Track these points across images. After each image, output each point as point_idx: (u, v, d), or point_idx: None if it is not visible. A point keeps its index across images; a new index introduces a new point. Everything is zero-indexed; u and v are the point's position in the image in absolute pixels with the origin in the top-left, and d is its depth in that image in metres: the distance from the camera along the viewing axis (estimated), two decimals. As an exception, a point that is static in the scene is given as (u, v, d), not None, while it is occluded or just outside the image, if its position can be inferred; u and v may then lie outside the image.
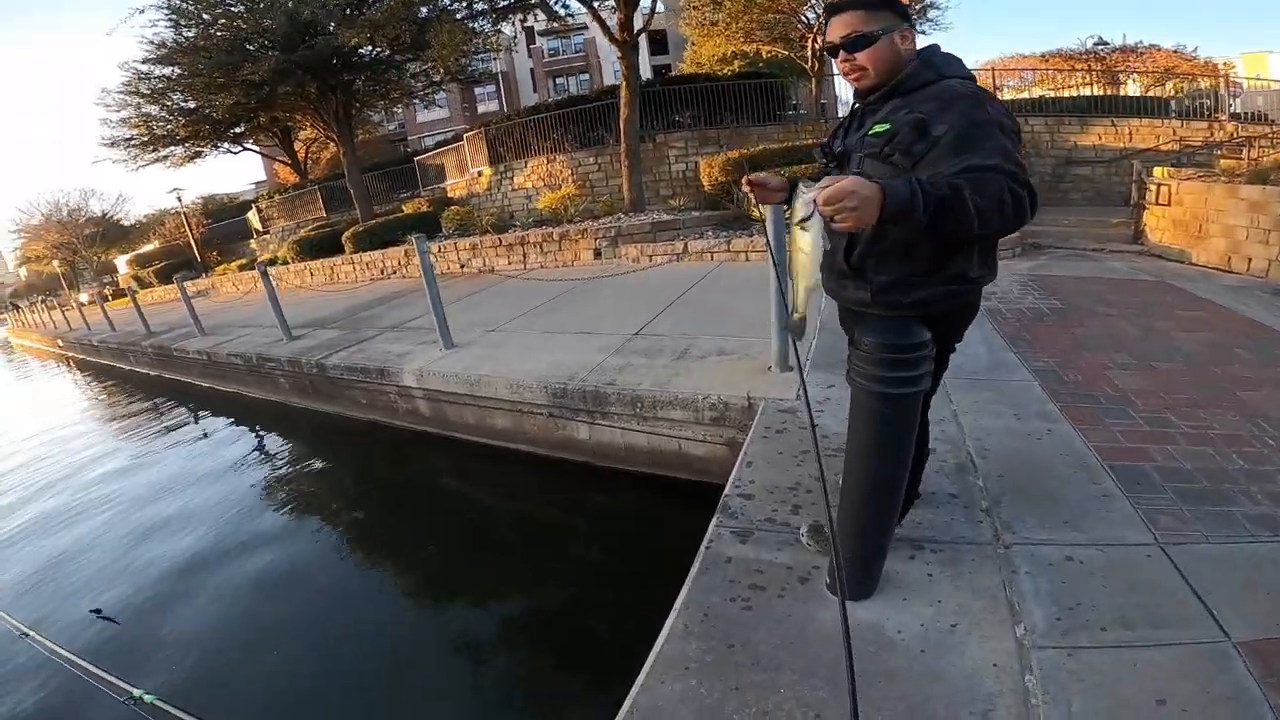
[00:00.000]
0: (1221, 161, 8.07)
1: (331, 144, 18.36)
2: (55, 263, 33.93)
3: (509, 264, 9.03)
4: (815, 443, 1.12)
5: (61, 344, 17.06)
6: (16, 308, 29.95)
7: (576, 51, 34.01)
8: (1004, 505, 2.09)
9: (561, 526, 3.70)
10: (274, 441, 6.23)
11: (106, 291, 24.42)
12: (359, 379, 5.36)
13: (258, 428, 6.58)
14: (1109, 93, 15.74)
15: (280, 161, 21.56)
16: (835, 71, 1.46)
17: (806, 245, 1.23)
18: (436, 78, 15.98)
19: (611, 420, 3.75)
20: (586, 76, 33.89)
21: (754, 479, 2.45)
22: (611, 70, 32.38)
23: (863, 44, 1.40)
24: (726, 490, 2.39)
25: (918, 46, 1.46)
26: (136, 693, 1.17)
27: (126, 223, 35.33)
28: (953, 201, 1.14)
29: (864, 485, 1.59)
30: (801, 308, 1.39)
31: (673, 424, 3.52)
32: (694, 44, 19.74)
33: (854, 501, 1.62)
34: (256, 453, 5.98)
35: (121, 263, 29.63)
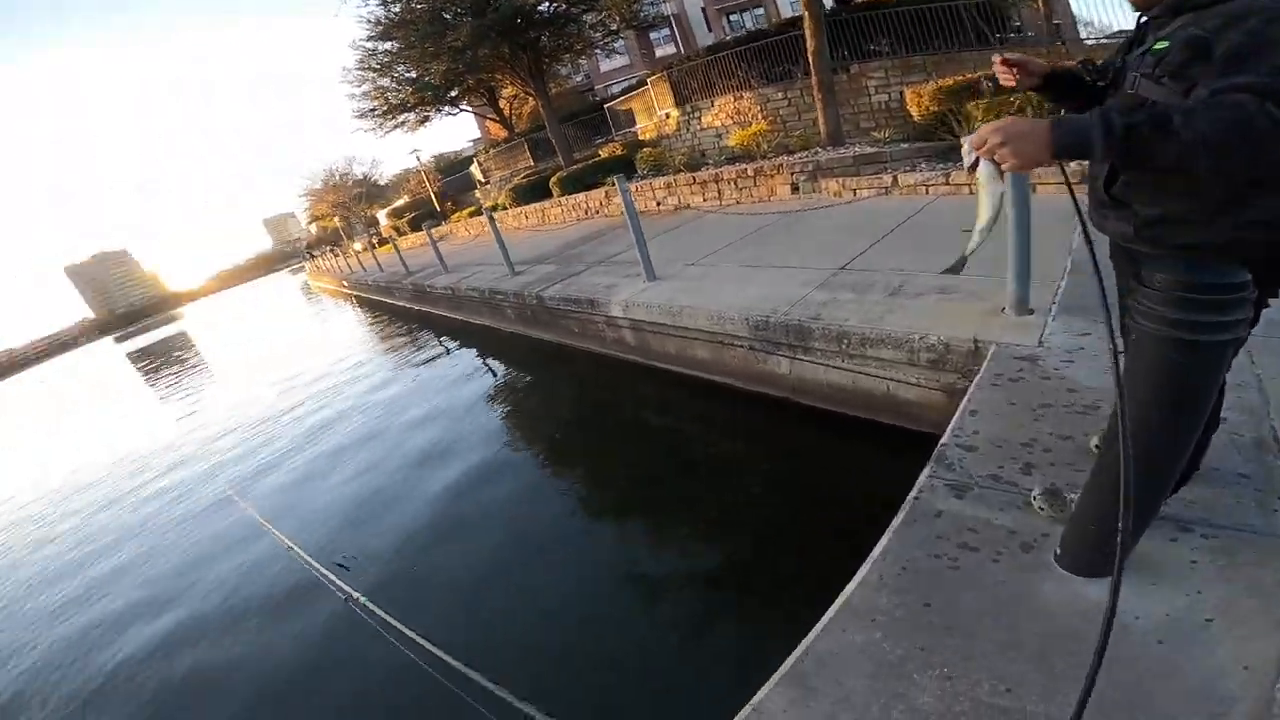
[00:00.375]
0: None
1: (530, 99, 19.97)
2: (335, 219, 42.09)
3: (704, 201, 9.10)
4: (1119, 384, 1.05)
5: (345, 284, 21.32)
6: (312, 256, 37.87)
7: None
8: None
9: (752, 461, 3.77)
10: (499, 364, 7.27)
11: (374, 240, 29.80)
12: (572, 309, 5.95)
13: (487, 352, 7.72)
14: None
15: (490, 119, 23.85)
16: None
17: (982, 179, 1.16)
18: (613, 26, 16.44)
19: (814, 356, 3.71)
20: (760, 11, 31.62)
21: (978, 430, 2.26)
22: (788, 2, 29.89)
23: None
24: (944, 439, 2.25)
25: None
26: (356, 595, 1.49)
27: (381, 182, 42.32)
28: (1149, 131, 0.98)
29: (1139, 448, 1.32)
30: (970, 246, 1.27)
31: (882, 364, 3.37)
32: None
33: (1118, 468, 1.44)
34: (484, 373, 7.06)
35: (381, 215, 35.67)
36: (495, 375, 6.94)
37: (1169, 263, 1.23)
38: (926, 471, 2.08)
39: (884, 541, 1.82)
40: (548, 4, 13.81)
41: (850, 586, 1.70)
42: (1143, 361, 1.31)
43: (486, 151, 23.69)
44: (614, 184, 5.32)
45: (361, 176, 41.79)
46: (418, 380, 7.43)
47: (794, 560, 2.81)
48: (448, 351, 8.42)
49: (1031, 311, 3.02)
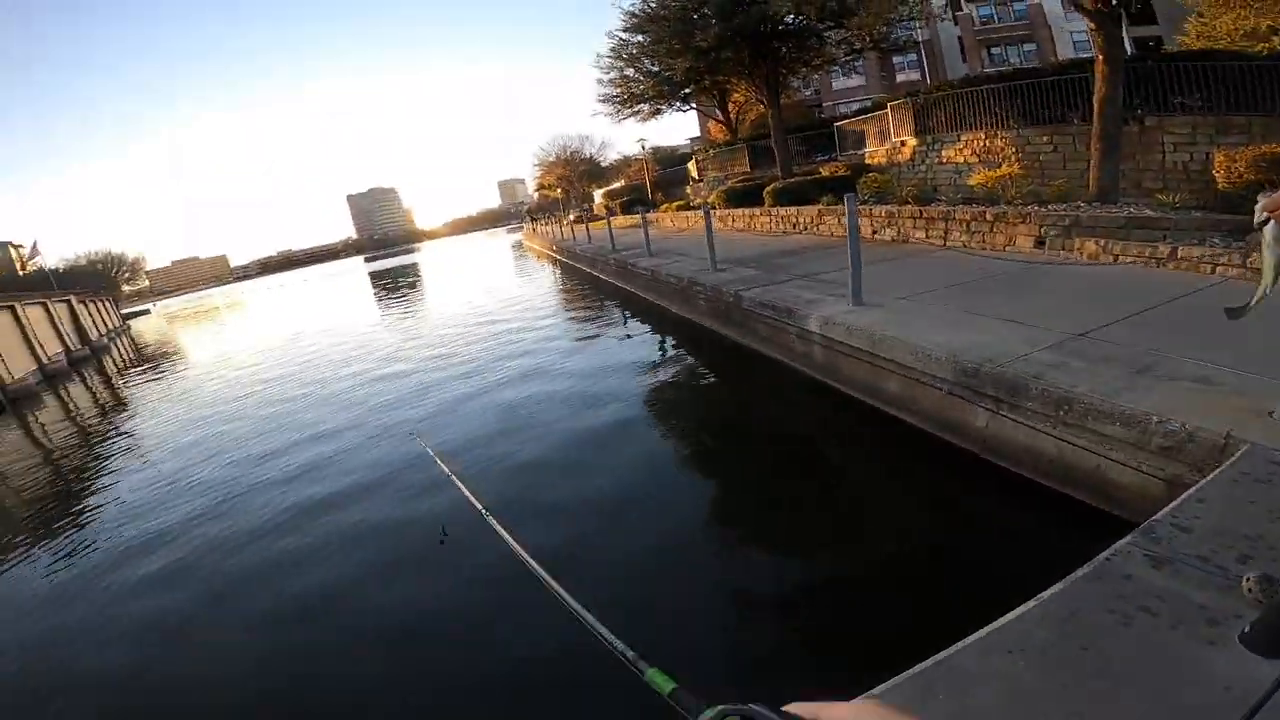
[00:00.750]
0: None
1: (756, 106, 20.42)
2: (558, 190, 46.53)
3: (926, 237, 8.67)
4: None
5: (554, 249, 23.67)
6: (533, 219, 42.31)
7: (1018, 19, 29.27)
8: None
9: (911, 506, 3.68)
10: (681, 349, 7.71)
11: (585, 215, 32.62)
12: (768, 315, 6.14)
13: (673, 336, 8.23)
14: None
15: (715, 120, 24.63)
16: None
17: (1268, 238, 1.24)
18: (858, 46, 15.99)
19: (1021, 415, 3.51)
20: (1032, 47, 28.96)
21: (1199, 516, 2.13)
22: (1068, 40, 26.57)
23: None
24: (1158, 516, 2.16)
25: None
26: (483, 511, 1.81)
27: (604, 164, 45.79)
28: None
29: None
30: (1254, 297, 1.31)
31: (1102, 440, 3.11)
32: (1201, 14, 14.88)
33: None
34: (666, 352, 7.55)
35: (597, 194, 38.73)
36: (675, 358, 7.40)
37: None
38: (1128, 539, 2.04)
39: (1056, 587, 1.84)
40: (794, 16, 14.00)
41: (1005, 617, 1.73)
42: None
43: (706, 150, 24.56)
44: (828, 203, 5.41)
45: (589, 156, 45.63)
46: (598, 343, 8.22)
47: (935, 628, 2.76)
48: (632, 325, 9.16)
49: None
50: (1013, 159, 11.09)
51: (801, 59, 17.22)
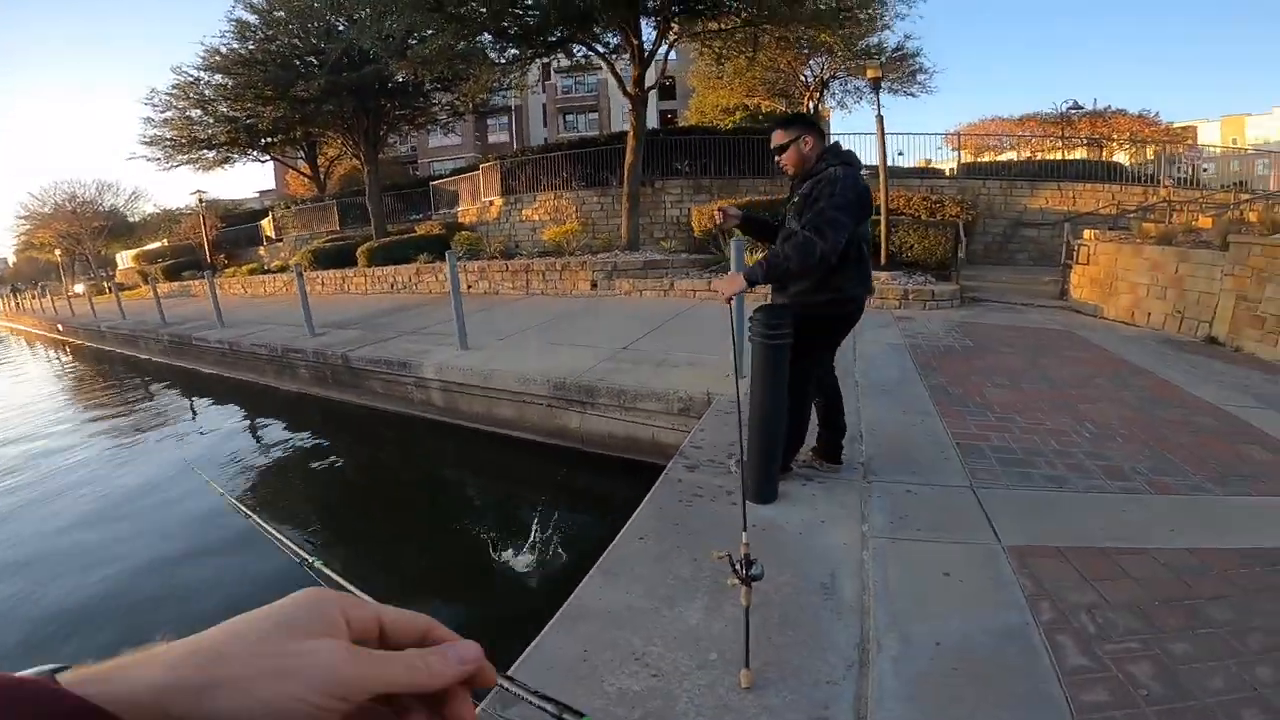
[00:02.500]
0: (1143, 225, 8.61)
1: (346, 160, 19.57)
2: (57, 251, 34.29)
3: (513, 288, 9.96)
4: (739, 410, 2.06)
5: (61, 329, 17.54)
6: (17, 292, 30.16)
7: (589, 91, 34.92)
8: (875, 460, 3.00)
9: (546, 494, 4.40)
10: (285, 422, 6.91)
11: (104, 284, 24.90)
12: (382, 370, 6.17)
13: (268, 411, 7.29)
14: (1090, 157, 17.14)
15: (299, 173, 22.64)
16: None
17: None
18: (461, 109, 17.26)
19: (600, 410, 4.62)
20: (595, 116, 34.84)
21: (704, 438, 3.37)
22: (620, 113, 33.53)
23: (780, 151, 2.55)
24: (683, 444, 3.33)
25: (824, 141, 2.60)
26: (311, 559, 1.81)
27: (133, 219, 35.96)
28: (776, 266, 2.36)
29: (758, 415, 2.49)
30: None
31: (649, 414, 4.39)
32: (698, 94, 21.13)
33: (757, 438, 2.51)
34: (270, 430, 6.71)
35: (124, 257, 30.16)
36: (278, 438, 6.63)
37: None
38: (673, 460, 3.11)
39: (649, 495, 2.74)
40: (412, 75, 14.14)
41: (630, 519, 2.54)
42: (757, 361, 2.44)
43: (287, 207, 22.16)
44: (425, 261, 5.94)
45: (109, 209, 35.17)
46: (160, 441, 6.71)
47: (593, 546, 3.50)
48: (208, 411, 7.71)
49: (746, 377, 4.31)
50: (574, 216, 13.64)
51: (406, 117, 17.26)
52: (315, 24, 13.58)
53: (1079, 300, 7.62)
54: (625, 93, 10.47)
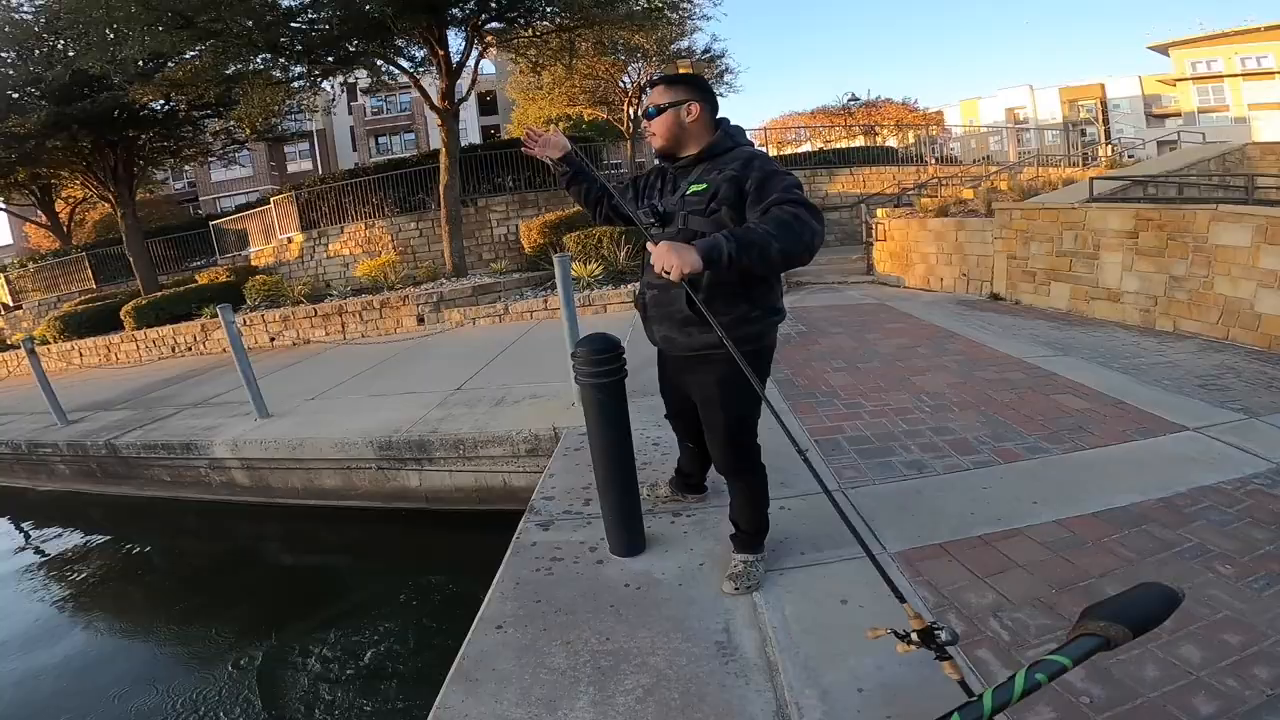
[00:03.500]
0: (921, 200, 9.92)
1: (103, 204, 16.21)
2: None
3: (326, 335, 8.90)
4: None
5: None
6: None
7: (402, 110, 32.87)
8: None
9: (399, 568, 3.94)
10: (54, 532, 5.52)
11: None
12: (161, 456, 5.11)
13: (35, 521, 5.76)
14: (868, 143, 19.37)
15: (35, 223, 18.43)
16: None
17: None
18: (240, 136, 14.99)
19: (439, 465, 4.19)
20: (412, 136, 32.83)
21: (555, 485, 3.08)
22: (437, 131, 32.18)
23: (653, 114, 1.77)
24: (533, 497, 2.98)
25: (717, 114, 1.81)
26: None
27: None
28: (752, 236, 1.49)
29: (597, 455, 2.24)
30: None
31: (494, 460, 4.06)
32: (519, 107, 20.71)
33: (605, 482, 2.27)
34: (33, 546, 5.28)
35: None
36: (46, 546, 5.23)
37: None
38: (524, 519, 2.75)
39: (500, 570, 2.36)
40: (162, 102, 11.66)
41: (484, 604, 2.15)
42: (590, 407, 2.17)
43: (23, 265, 17.86)
44: (212, 315, 5.01)
45: None
46: None
47: (455, 628, 3.10)
48: None
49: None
50: (390, 246, 12.61)
51: (167, 148, 14.43)
52: (36, 50, 10.98)
53: (883, 273, 8.59)
54: (433, 107, 9.89)
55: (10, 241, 27.33)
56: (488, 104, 33.89)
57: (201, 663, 3.34)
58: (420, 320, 8.28)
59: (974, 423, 3.29)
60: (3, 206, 16.66)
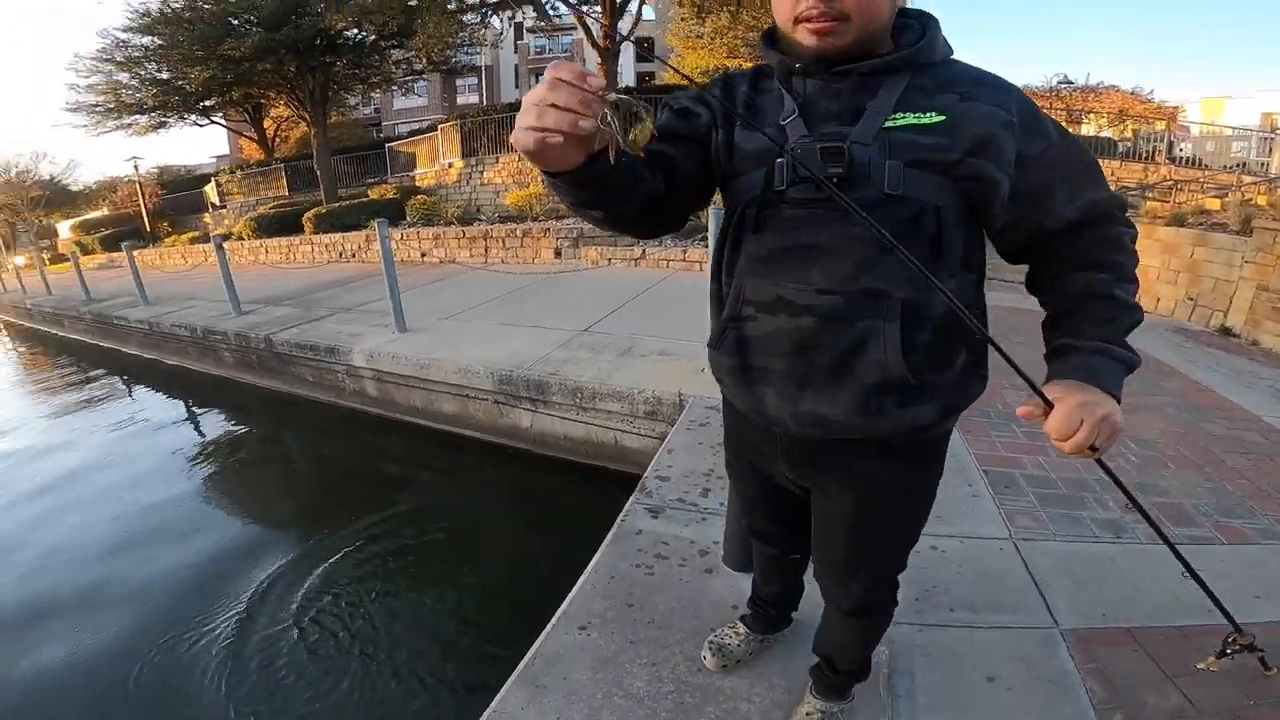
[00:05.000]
0: (1148, 204, 8.51)
1: (302, 123, 18.08)
2: (-4, 223, 31.93)
3: (471, 257, 9.08)
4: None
5: (-9, 306, 16.18)
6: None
7: (564, 51, 33.45)
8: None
9: (498, 510, 3.79)
10: (212, 415, 6.12)
11: (45, 256, 23.16)
12: (308, 355, 5.35)
13: (196, 401, 6.46)
14: (1074, 132, 16.47)
15: (247, 137, 21.04)
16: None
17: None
18: (419, 66, 15.93)
19: (553, 409, 3.90)
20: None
21: (672, 464, 2.65)
22: (594, 65, 32.46)
23: None
24: (646, 473, 2.59)
25: None
26: None
27: (74, 188, 33.65)
28: (1133, 311, 0.87)
29: None
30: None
31: (609, 415, 3.69)
32: (679, 55, 20.05)
33: None
34: (189, 425, 5.89)
35: (64, 228, 28.20)
36: (204, 427, 5.82)
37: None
38: (631, 498, 2.39)
39: (596, 557, 2.05)
40: (356, 30, 12.67)
41: (569, 597, 1.86)
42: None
43: (232, 172, 20.59)
44: (376, 227, 5.05)
45: (49, 178, 32.77)
46: (92, 436, 5.83)
47: (536, 591, 2.86)
48: (120, 401, 6.81)
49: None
50: (539, 179, 12.67)
51: (357, 75, 15.91)
52: None
53: (1084, 275, 7.08)
54: (594, 44, 9.54)
55: (227, 151, 31.63)
56: (647, 49, 33.24)
57: (293, 561, 3.37)
58: (557, 254, 8.11)
59: (1194, 486, 2.52)
60: (222, 121, 19.06)
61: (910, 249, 0.75)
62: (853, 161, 0.82)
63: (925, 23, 0.90)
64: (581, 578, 1.95)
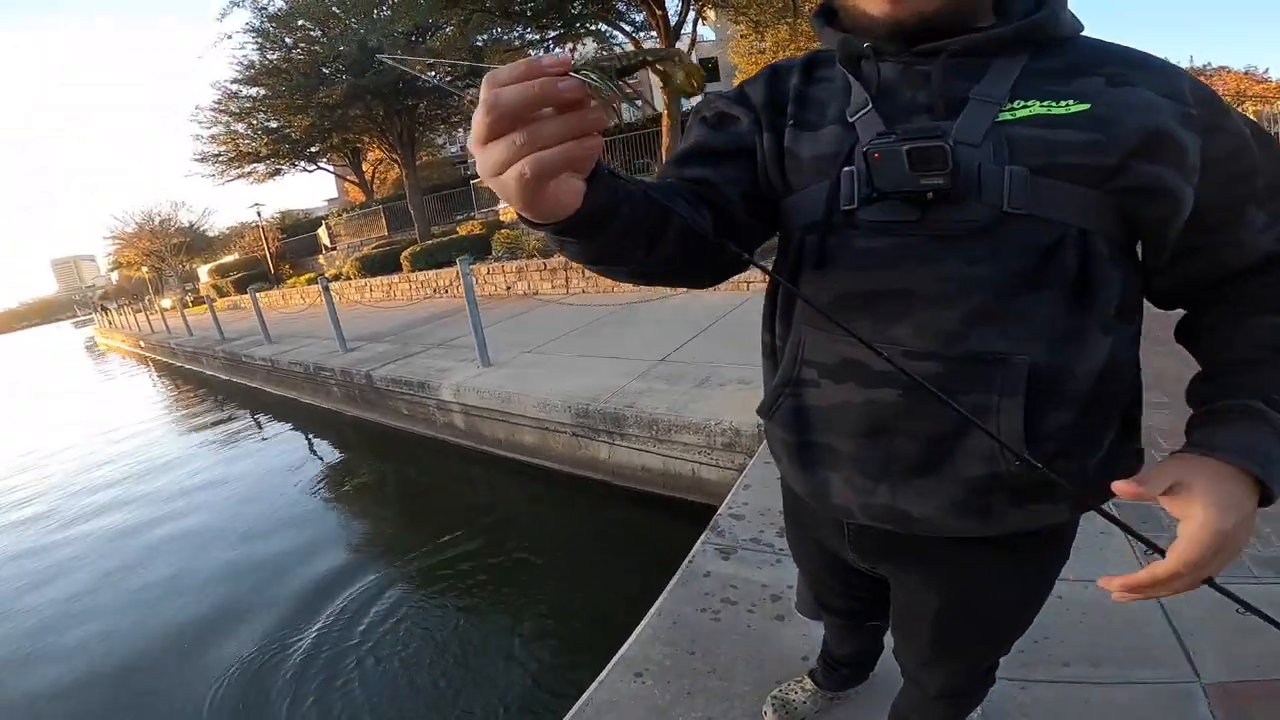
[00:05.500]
0: None
1: (396, 165, 19.64)
2: (144, 269, 36.84)
3: (552, 288, 9.40)
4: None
5: (143, 345, 18.52)
6: (105, 310, 32.60)
7: (632, 78, 34.76)
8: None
9: (574, 538, 3.88)
10: (322, 446, 6.67)
11: (188, 298, 26.34)
12: (402, 391, 5.72)
13: (309, 432, 7.07)
14: None
15: (350, 181, 23.07)
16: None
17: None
18: None
19: (630, 441, 3.93)
20: (639, 103, 34.84)
21: (748, 501, 2.57)
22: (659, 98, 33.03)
23: None
24: (720, 510, 2.53)
25: None
26: None
27: (211, 234, 38.14)
28: None
29: None
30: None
31: (686, 448, 3.66)
32: (741, 71, 20.01)
33: None
34: (304, 454, 6.44)
35: (203, 271, 31.98)
36: (316, 455, 6.37)
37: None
38: (702, 537, 2.33)
39: (659, 601, 2.00)
40: (434, 73, 13.85)
41: (628, 641, 1.83)
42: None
43: (339, 215, 22.62)
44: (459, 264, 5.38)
45: (187, 225, 37.45)
46: (223, 462, 6.56)
47: (606, 624, 2.89)
48: (260, 427, 7.59)
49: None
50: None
51: (440, 116, 17.17)
52: (336, 29, 13.41)
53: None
54: (653, 70, 9.69)
55: (336, 195, 34.82)
56: (709, 71, 33.47)
57: (377, 581, 3.62)
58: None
59: None
60: (328, 167, 21.02)
61: (1041, 292, 0.59)
62: (958, 168, 0.58)
63: None
64: (643, 621, 1.91)
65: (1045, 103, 0.60)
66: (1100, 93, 0.59)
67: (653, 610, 1.96)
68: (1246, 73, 22.22)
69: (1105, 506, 0.58)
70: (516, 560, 3.71)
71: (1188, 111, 0.58)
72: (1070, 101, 0.59)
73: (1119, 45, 0.64)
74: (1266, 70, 22.56)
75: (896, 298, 0.64)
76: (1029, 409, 0.63)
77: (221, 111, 16.38)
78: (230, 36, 14.15)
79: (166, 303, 27.38)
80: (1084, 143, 0.58)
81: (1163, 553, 0.56)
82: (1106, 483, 0.57)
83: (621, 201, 0.54)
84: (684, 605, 1.96)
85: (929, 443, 0.67)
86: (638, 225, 0.58)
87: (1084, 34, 0.65)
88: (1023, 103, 0.60)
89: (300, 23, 13.75)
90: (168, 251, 35.52)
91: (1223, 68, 22.39)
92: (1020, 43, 0.62)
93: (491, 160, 0.43)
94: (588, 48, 12.47)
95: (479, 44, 10.60)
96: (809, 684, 1.47)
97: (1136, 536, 0.53)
